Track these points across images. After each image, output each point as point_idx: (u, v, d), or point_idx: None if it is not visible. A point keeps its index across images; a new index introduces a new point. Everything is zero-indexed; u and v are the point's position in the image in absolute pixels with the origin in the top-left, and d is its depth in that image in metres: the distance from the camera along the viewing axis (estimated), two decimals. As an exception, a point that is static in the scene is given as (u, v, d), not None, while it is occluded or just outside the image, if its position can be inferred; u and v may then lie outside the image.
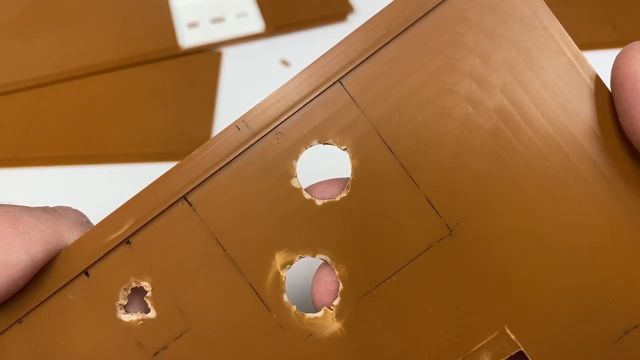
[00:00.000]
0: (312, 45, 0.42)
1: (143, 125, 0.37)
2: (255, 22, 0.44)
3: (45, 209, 0.16)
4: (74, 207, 0.18)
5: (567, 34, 0.16)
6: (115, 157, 0.36)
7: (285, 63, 0.41)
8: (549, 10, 0.16)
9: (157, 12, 0.44)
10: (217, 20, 0.44)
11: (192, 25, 0.43)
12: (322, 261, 0.17)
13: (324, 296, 0.17)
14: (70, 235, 0.16)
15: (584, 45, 0.39)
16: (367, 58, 0.16)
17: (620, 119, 0.16)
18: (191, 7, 0.45)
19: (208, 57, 0.42)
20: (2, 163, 0.35)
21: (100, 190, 0.34)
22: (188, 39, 0.42)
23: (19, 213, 0.15)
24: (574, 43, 0.16)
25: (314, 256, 0.17)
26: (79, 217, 0.17)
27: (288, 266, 0.17)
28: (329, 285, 0.17)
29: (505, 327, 0.17)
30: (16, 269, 0.15)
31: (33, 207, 0.16)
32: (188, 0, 0.45)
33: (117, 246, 0.16)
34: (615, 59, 0.16)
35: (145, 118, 0.37)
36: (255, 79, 0.40)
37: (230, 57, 0.42)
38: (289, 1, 0.45)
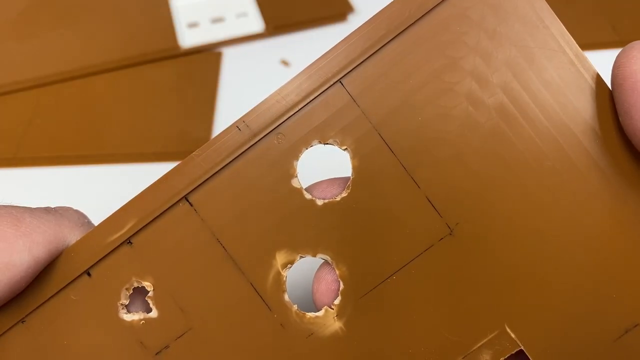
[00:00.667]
0: (312, 45, 0.42)
1: (143, 125, 0.37)
2: (255, 22, 0.44)
3: (47, 210, 0.16)
4: (75, 208, 0.18)
5: (568, 33, 0.16)
6: (115, 157, 0.36)
7: (285, 63, 0.41)
8: (550, 9, 0.16)
9: (157, 12, 0.44)
10: (217, 20, 0.44)
11: (192, 25, 0.43)
12: (323, 261, 0.17)
13: (324, 295, 0.17)
14: (72, 236, 0.16)
15: (584, 45, 0.39)
16: (367, 58, 0.16)
17: (620, 119, 0.16)
18: (191, 7, 0.45)
19: (208, 57, 0.42)
20: (2, 163, 0.36)
21: (100, 190, 0.34)
22: (188, 39, 0.42)
23: (21, 214, 0.15)
24: (575, 42, 0.16)
25: (314, 256, 0.17)
26: (80, 218, 0.17)
27: (289, 266, 0.17)
28: (330, 284, 0.17)
29: (506, 325, 0.17)
30: (19, 270, 0.15)
31: (35, 208, 0.16)
32: (188, 0, 0.45)
33: (118, 246, 0.16)
34: (616, 59, 0.16)
35: (145, 118, 0.37)
36: (255, 79, 0.40)
37: (230, 57, 0.42)
38: (289, 1, 0.46)
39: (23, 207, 0.16)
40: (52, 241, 0.16)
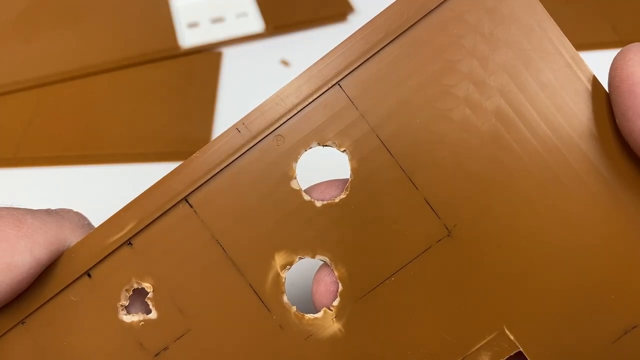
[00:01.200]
0: (312, 45, 0.43)
1: (143, 125, 0.37)
2: (255, 22, 0.44)
3: (48, 212, 0.16)
4: (75, 210, 0.18)
5: (564, 36, 0.16)
6: (115, 157, 0.36)
7: (285, 63, 0.42)
8: (547, 12, 0.16)
9: (157, 12, 0.44)
10: (217, 20, 0.44)
11: (192, 25, 0.44)
12: (322, 262, 0.17)
13: (323, 297, 0.17)
14: (72, 237, 0.17)
15: (584, 46, 0.39)
16: (365, 60, 0.16)
17: (617, 121, 0.16)
18: (191, 7, 0.45)
19: (208, 57, 0.42)
20: (2, 163, 0.36)
21: (100, 190, 0.34)
22: (188, 39, 0.42)
23: (23, 215, 0.15)
24: (571, 45, 0.16)
25: (313, 257, 0.17)
26: (81, 219, 0.17)
27: (288, 267, 0.17)
28: (329, 286, 0.17)
29: (504, 327, 0.17)
30: (20, 271, 0.15)
31: (36, 210, 0.16)
32: (188, 0, 0.45)
33: (118, 247, 0.17)
34: (613, 61, 0.16)
35: (145, 118, 0.38)
36: (255, 79, 0.40)
37: (230, 57, 0.42)
38: (289, 1, 0.46)
39: (24, 208, 0.16)
40: (54, 242, 0.16)
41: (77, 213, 0.18)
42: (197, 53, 0.42)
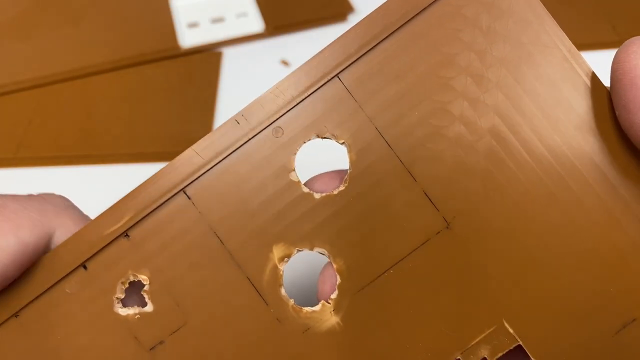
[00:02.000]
0: (312, 45, 0.42)
1: (143, 125, 0.37)
2: (255, 22, 0.44)
3: (30, 196, 0.17)
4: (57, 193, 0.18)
5: (561, 30, 0.16)
6: (115, 157, 0.36)
7: (285, 63, 0.42)
8: (543, 7, 0.16)
9: (157, 12, 0.44)
10: (217, 20, 0.44)
11: (192, 25, 0.44)
12: (321, 255, 0.17)
13: (329, 295, 0.17)
14: (57, 220, 0.17)
15: (584, 45, 0.39)
16: (364, 54, 0.16)
17: (617, 113, 0.16)
18: (191, 7, 0.45)
19: (208, 57, 0.42)
20: (2, 163, 0.36)
21: (100, 190, 0.34)
22: (188, 39, 0.42)
23: (4, 200, 0.16)
24: (568, 39, 0.16)
25: (311, 249, 0.17)
26: (63, 201, 0.17)
27: (286, 259, 0.17)
28: (335, 285, 0.17)
29: (504, 320, 0.17)
30: (7, 253, 0.15)
31: (18, 195, 0.16)
32: (188, 0, 0.46)
33: (115, 239, 0.16)
34: (615, 55, 0.16)
35: (145, 118, 0.38)
36: (255, 79, 0.40)
37: (230, 57, 0.42)
38: (289, 1, 0.46)
39: (6, 194, 0.16)
40: (38, 225, 0.16)
41: (59, 196, 0.18)
42: (197, 53, 0.42)
